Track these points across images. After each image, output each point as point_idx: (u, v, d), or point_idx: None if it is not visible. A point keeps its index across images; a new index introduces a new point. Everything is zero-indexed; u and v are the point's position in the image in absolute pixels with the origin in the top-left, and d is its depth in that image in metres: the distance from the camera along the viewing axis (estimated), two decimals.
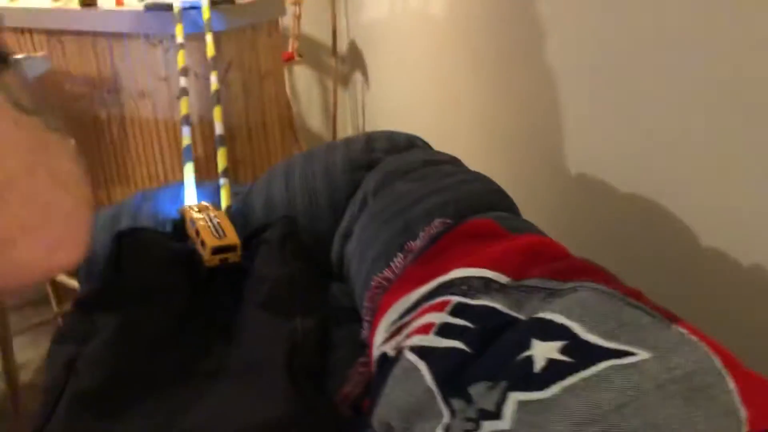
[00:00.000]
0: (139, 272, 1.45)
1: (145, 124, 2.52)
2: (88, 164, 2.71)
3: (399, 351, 1.15)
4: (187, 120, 1.85)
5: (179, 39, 2.06)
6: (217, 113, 1.83)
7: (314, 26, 3.76)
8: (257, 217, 1.65)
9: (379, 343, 1.23)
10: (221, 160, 1.74)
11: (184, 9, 2.15)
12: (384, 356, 1.20)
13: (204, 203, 1.62)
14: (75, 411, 1.21)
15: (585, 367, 0.87)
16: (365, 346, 1.31)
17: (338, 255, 1.56)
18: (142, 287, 1.43)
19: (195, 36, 2.21)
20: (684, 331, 0.88)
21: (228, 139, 2.41)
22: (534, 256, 1.13)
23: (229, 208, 1.65)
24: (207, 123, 2.35)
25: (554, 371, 0.88)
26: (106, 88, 2.55)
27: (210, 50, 2.02)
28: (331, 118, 3.90)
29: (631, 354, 0.86)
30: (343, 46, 3.83)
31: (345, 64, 3.88)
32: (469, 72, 2.39)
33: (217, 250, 1.44)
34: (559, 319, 0.95)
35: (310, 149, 1.81)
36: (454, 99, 2.60)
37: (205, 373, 1.34)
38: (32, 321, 2.52)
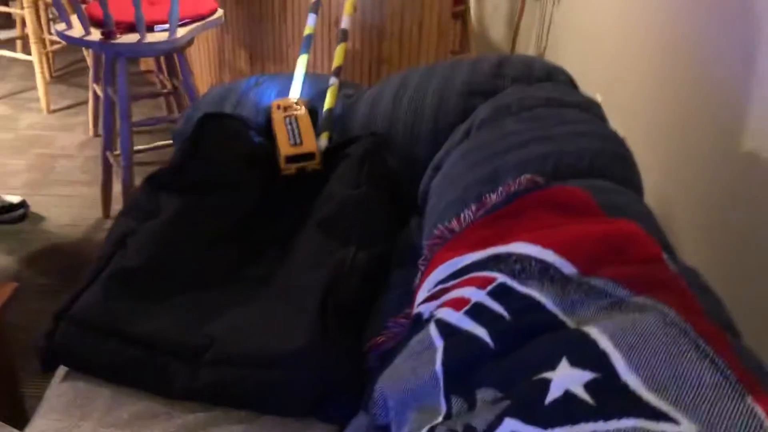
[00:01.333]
0: (213, 161, 1.38)
1: (304, 6, 2.43)
2: (250, 36, 2.70)
3: (429, 318, 0.99)
4: (315, 7, 1.71)
5: None
6: (348, 5, 1.67)
7: None
8: (357, 126, 1.51)
9: (420, 301, 1.07)
10: (337, 57, 1.60)
11: None
12: (419, 317, 1.04)
13: (294, 100, 1.48)
14: (110, 286, 1.20)
15: (605, 417, 0.66)
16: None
17: (425, 187, 1.39)
18: (211, 177, 1.37)
19: None
20: (760, 411, 0.63)
21: (377, 35, 2.26)
22: (616, 249, 0.89)
23: (330, 110, 1.52)
24: (367, 14, 2.21)
25: (566, 410, 0.68)
26: None
27: None
28: (513, 29, 3.58)
29: (671, 420, 0.64)
30: None
31: None
32: (672, 14, 2.00)
33: (291, 159, 1.32)
34: (603, 342, 0.74)
35: (437, 63, 1.61)
36: (642, 39, 2.22)
37: (248, 280, 1.28)
38: None
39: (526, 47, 3.68)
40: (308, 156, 1.33)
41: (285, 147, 1.32)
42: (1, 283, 1.50)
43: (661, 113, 2.00)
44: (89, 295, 1.19)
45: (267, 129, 1.45)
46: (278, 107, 1.43)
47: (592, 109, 1.36)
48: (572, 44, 3.05)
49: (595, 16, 2.74)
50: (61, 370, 1.20)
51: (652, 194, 1.98)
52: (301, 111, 1.42)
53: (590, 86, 2.58)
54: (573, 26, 3.06)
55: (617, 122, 2.27)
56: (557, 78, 1.51)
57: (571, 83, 1.52)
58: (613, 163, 1.15)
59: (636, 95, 2.21)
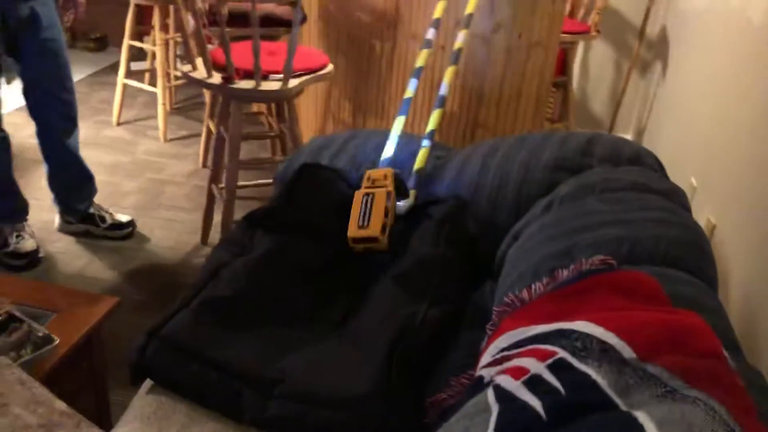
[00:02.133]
0: (305, 208, 1.49)
1: (409, 67, 2.55)
2: (355, 89, 2.85)
3: (488, 383, 1.03)
4: (417, 73, 1.81)
5: None
6: (448, 73, 1.76)
7: (626, 1, 3.44)
8: (443, 187, 1.59)
9: (483, 365, 1.11)
10: (433, 121, 1.69)
11: None
12: (480, 380, 1.09)
13: (384, 172, 1.54)
14: (200, 312, 1.31)
15: None
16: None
17: (502, 254, 1.44)
18: (302, 222, 1.47)
19: None
20: None
21: (475, 101, 2.34)
22: (676, 340, 0.91)
23: (420, 170, 1.60)
24: (467, 79, 2.30)
25: None
26: (386, 22, 2.61)
27: (470, 6, 1.94)
28: (616, 103, 3.59)
29: None
30: (653, 30, 3.46)
31: (649, 50, 3.51)
32: None
33: (356, 241, 1.40)
34: (650, 428, 0.76)
35: (527, 134, 1.67)
36: (740, 126, 2.20)
37: (323, 322, 1.36)
38: None
39: (627, 123, 3.68)
40: (371, 239, 1.40)
41: (352, 228, 1.39)
42: (104, 297, 1.65)
43: (756, 203, 1.97)
44: (181, 318, 1.30)
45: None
46: (368, 179, 1.51)
47: (676, 198, 1.38)
48: (672, 124, 3.03)
49: (696, 99, 2.73)
50: (147, 383, 1.31)
51: (738, 286, 1.94)
52: (382, 189, 1.48)
53: (686, 169, 2.57)
54: (674, 106, 3.05)
55: (712, 209, 2.25)
56: (645, 162, 1.53)
57: (659, 168, 1.54)
58: (689, 253, 1.17)
59: (732, 182, 2.18)
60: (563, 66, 3.21)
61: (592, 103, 3.75)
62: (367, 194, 1.46)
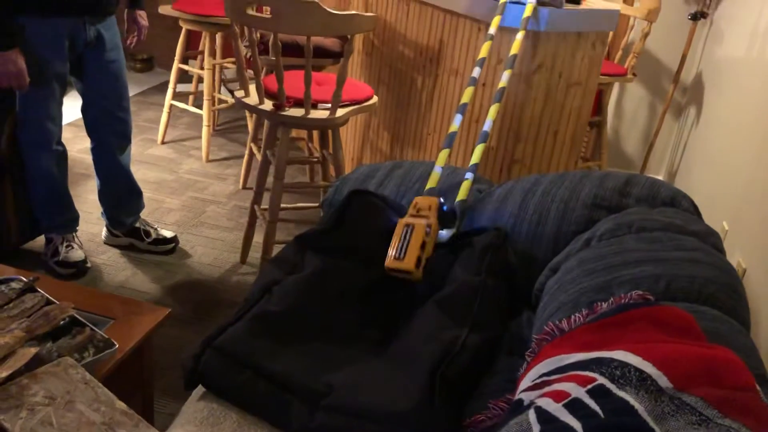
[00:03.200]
0: (355, 231, 1.57)
1: (449, 101, 2.64)
2: (394, 120, 2.95)
3: (530, 405, 1.09)
4: (462, 109, 1.90)
5: (491, 30, 2.10)
6: (492, 111, 1.85)
7: (663, 47, 3.52)
8: (484, 218, 1.66)
9: (523, 389, 1.18)
10: (476, 155, 1.77)
11: (510, 2, 2.18)
12: (519, 402, 1.15)
13: (432, 202, 1.62)
14: (254, 325, 1.39)
15: None
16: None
17: (541, 286, 1.50)
18: (350, 245, 1.55)
19: (516, 30, 2.24)
20: None
21: (513, 137, 2.42)
22: (711, 372, 0.97)
23: (462, 201, 1.68)
24: (506, 116, 2.38)
25: None
26: (429, 57, 2.71)
27: (515, 48, 2.03)
28: (648, 145, 3.65)
29: None
30: (688, 76, 3.53)
31: (683, 94, 3.57)
32: None
33: (391, 270, 1.48)
34: None
35: (567, 172, 1.74)
36: None
37: (368, 341, 1.43)
38: None
39: (659, 165, 3.73)
40: (405, 272, 1.47)
41: (389, 258, 1.48)
42: (156, 307, 1.73)
43: None
44: (234, 330, 1.38)
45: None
46: (414, 206, 1.58)
47: (710, 240, 1.44)
48: (704, 168, 3.08)
49: (729, 145, 2.78)
50: (199, 390, 1.38)
51: (764, 330, 1.97)
52: (422, 222, 1.54)
53: (718, 214, 2.61)
54: (707, 151, 3.11)
55: (742, 253, 2.29)
56: (681, 204, 1.59)
57: (694, 210, 1.60)
58: (723, 293, 1.23)
59: (764, 228, 2.22)
60: (598, 106, 3.29)
61: (624, 144, 3.82)
62: (408, 225, 1.54)
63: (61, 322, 1.47)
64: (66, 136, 2.54)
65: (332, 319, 1.45)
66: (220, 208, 3.12)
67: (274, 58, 2.19)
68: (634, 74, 3.25)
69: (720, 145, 2.92)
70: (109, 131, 2.48)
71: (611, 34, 2.96)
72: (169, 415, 1.92)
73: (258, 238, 2.76)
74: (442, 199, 1.64)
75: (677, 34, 3.42)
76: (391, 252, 1.51)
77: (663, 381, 0.99)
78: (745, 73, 2.80)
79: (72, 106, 2.77)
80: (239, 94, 2.37)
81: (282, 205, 2.47)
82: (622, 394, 0.98)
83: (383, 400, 1.25)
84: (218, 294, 2.51)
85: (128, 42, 2.46)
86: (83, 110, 2.46)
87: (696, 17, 3.30)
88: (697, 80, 3.43)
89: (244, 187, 3.33)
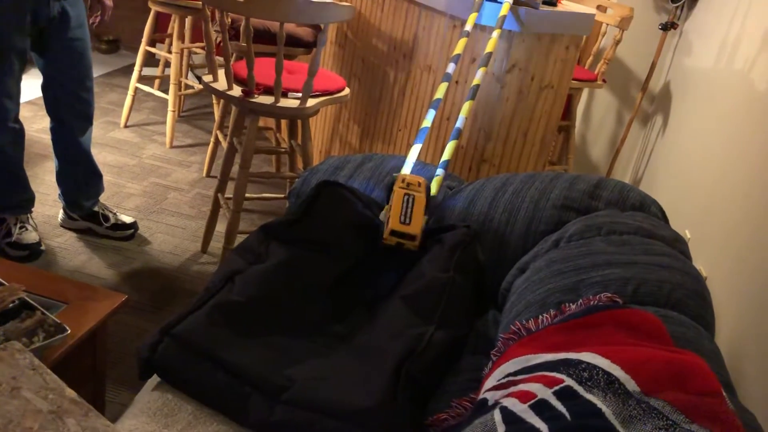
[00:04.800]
0: (323, 223, 1.53)
1: (421, 97, 2.62)
2: (365, 114, 2.91)
3: (495, 404, 1.07)
4: (435, 104, 1.88)
5: (467, 27, 2.09)
6: (465, 107, 1.83)
7: (633, 55, 3.55)
8: (454, 216, 1.64)
9: (488, 388, 1.16)
10: (447, 152, 1.75)
11: (487, 0, 2.16)
12: (484, 402, 1.13)
13: (420, 179, 1.63)
14: (214, 314, 1.34)
15: None
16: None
17: (508, 285, 1.49)
18: (318, 237, 1.51)
19: (492, 29, 2.22)
20: None
21: (483, 137, 2.41)
22: (679, 377, 0.96)
23: (433, 197, 1.66)
24: (477, 116, 2.37)
25: None
26: (403, 52, 2.69)
27: (490, 46, 2.01)
28: (614, 152, 3.68)
29: None
30: (656, 85, 3.57)
31: (651, 103, 3.62)
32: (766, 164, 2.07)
33: (395, 233, 1.46)
34: None
35: (537, 172, 1.73)
36: (735, 184, 2.28)
37: (332, 335, 1.39)
38: None
39: (624, 172, 3.77)
40: (410, 236, 1.46)
41: (394, 221, 1.46)
42: (112, 293, 1.67)
43: (746, 258, 2.04)
44: (194, 319, 1.33)
45: (387, 196, 1.60)
46: (402, 180, 1.58)
47: (678, 245, 1.44)
48: (668, 177, 3.12)
49: (694, 155, 2.82)
50: (154, 379, 1.34)
51: (726, 334, 2.00)
52: (421, 194, 1.56)
53: (680, 222, 2.64)
54: (672, 160, 3.14)
55: (703, 262, 2.32)
56: (649, 209, 1.60)
57: (661, 216, 1.61)
58: (690, 299, 1.22)
59: (725, 238, 2.25)
60: (567, 110, 3.30)
61: (591, 149, 3.85)
62: (408, 194, 1.54)
63: (10, 305, 1.40)
64: (25, 114, 2.46)
65: (296, 312, 1.41)
66: (182, 196, 3.05)
67: (244, 44, 2.13)
68: (603, 80, 3.27)
69: (685, 155, 2.95)
70: (70, 111, 2.40)
71: (584, 38, 2.98)
72: (122, 406, 1.86)
73: (220, 227, 2.71)
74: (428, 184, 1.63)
75: (648, 43, 3.45)
76: (395, 217, 1.50)
77: (631, 384, 0.98)
78: (712, 85, 2.84)
79: (32, 84, 2.68)
80: (207, 78, 2.32)
81: (247, 195, 2.42)
82: (589, 396, 0.96)
83: (345, 395, 1.22)
84: (177, 283, 2.44)
85: (90, 21, 2.37)
86: (44, 88, 2.37)
87: (666, 27, 3.34)
88: (665, 89, 3.47)
89: (208, 175, 3.26)
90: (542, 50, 2.37)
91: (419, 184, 1.61)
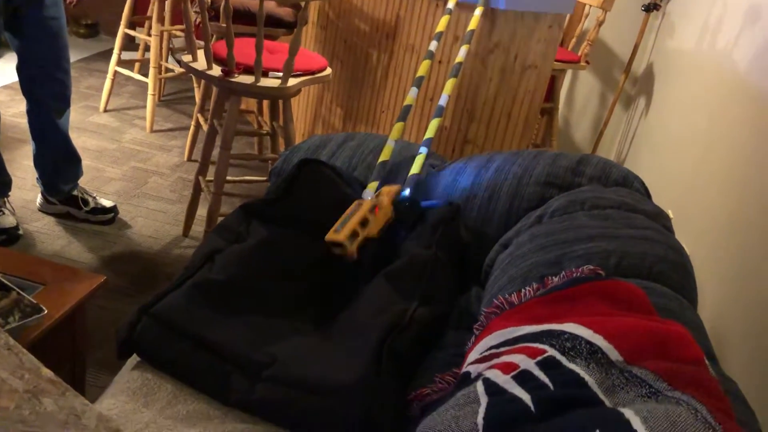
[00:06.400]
0: (304, 201, 1.51)
1: (404, 78, 2.60)
2: (348, 96, 2.89)
3: (477, 377, 1.06)
4: (418, 82, 1.86)
5: (450, 5, 2.07)
6: (448, 85, 1.81)
7: (616, 37, 3.55)
8: (437, 194, 1.63)
9: (470, 361, 1.15)
10: (430, 130, 1.73)
11: None
12: (467, 375, 1.12)
13: (389, 190, 1.57)
14: (194, 293, 1.32)
15: None
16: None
17: (491, 261, 1.48)
18: (300, 215, 1.49)
19: (474, 6, 2.20)
20: None
21: (467, 117, 2.40)
22: (662, 345, 0.96)
23: (415, 175, 1.64)
24: (461, 96, 2.35)
25: None
26: (385, 33, 2.66)
27: (473, 23, 1.99)
28: (598, 133, 3.68)
29: None
30: (639, 66, 3.57)
31: (634, 84, 3.62)
32: (747, 147, 2.07)
33: (330, 243, 1.43)
34: (636, 424, 0.80)
35: (520, 150, 1.72)
36: (717, 164, 2.29)
37: (314, 314, 1.38)
38: None
39: (608, 154, 3.77)
40: (337, 244, 1.41)
41: (330, 231, 1.42)
42: (91, 274, 1.65)
43: (727, 236, 2.05)
44: (173, 298, 1.31)
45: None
46: (379, 193, 1.53)
47: (661, 219, 1.44)
48: (651, 157, 3.13)
49: (677, 136, 2.82)
50: (134, 359, 1.32)
51: (708, 310, 2.01)
52: (372, 201, 1.49)
53: (663, 202, 2.65)
54: (655, 142, 3.15)
55: (685, 240, 2.33)
56: (632, 185, 1.59)
57: (644, 192, 1.60)
58: (673, 271, 1.22)
59: (706, 216, 2.26)
60: (550, 92, 3.30)
61: (574, 131, 3.85)
62: (358, 202, 1.49)
63: None
64: (0, 98, 2.40)
65: (277, 291, 1.39)
66: (163, 180, 3.02)
67: (224, 25, 2.10)
68: (587, 62, 3.27)
69: (668, 137, 2.96)
70: (47, 92, 2.35)
71: (568, 18, 2.96)
72: (102, 389, 1.83)
73: (202, 211, 2.68)
74: (407, 191, 1.58)
75: (630, 24, 3.45)
76: (335, 225, 1.46)
77: (613, 354, 0.97)
78: (694, 66, 2.84)
79: (8, 69, 2.63)
80: (187, 59, 2.28)
81: (228, 178, 2.39)
82: (572, 366, 0.96)
83: (327, 372, 1.21)
84: (158, 267, 2.42)
85: (68, 1, 2.33)
86: (18, 69, 2.32)
87: (649, 9, 3.33)
88: (648, 71, 3.47)
89: (189, 160, 3.22)
90: (525, 29, 2.36)
91: (389, 193, 1.56)
